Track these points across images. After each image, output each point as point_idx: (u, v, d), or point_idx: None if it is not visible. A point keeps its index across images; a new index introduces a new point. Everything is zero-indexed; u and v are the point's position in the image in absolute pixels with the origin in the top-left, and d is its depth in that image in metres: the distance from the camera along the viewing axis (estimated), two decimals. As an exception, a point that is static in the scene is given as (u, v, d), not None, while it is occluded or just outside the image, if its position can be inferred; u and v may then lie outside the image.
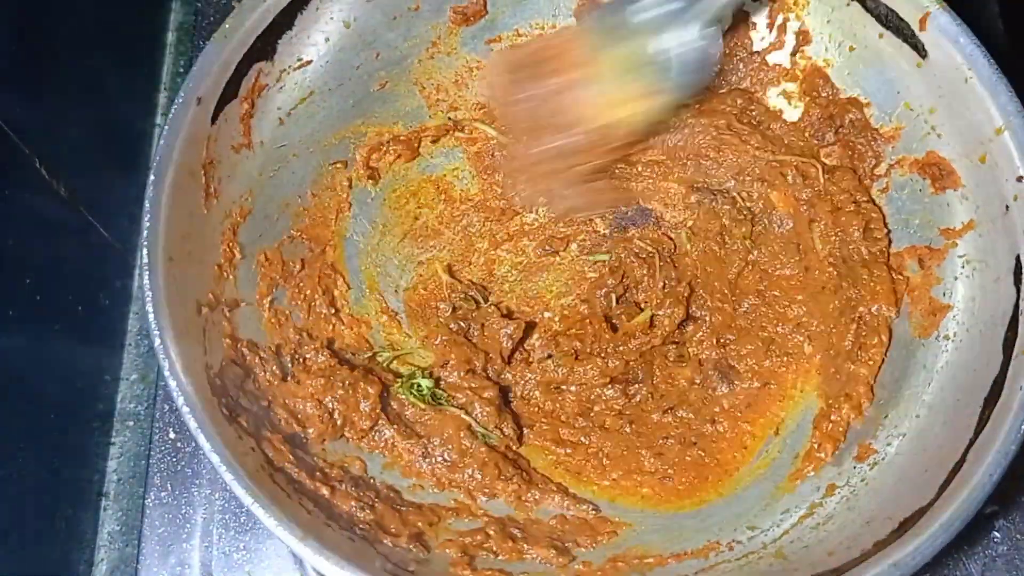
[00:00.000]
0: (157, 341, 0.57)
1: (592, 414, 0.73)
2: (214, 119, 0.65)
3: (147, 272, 0.58)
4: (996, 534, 0.69)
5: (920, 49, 0.66)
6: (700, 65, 0.68)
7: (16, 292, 0.65)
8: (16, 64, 0.66)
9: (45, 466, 0.68)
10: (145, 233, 0.59)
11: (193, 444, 0.73)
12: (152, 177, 0.61)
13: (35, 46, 0.68)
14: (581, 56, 0.69)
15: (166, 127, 0.62)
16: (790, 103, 0.76)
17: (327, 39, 0.71)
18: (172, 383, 0.56)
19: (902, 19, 0.67)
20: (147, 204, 0.60)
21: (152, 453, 0.73)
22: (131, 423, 0.76)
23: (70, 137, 0.73)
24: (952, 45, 0.64)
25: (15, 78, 0.66)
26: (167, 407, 0.75)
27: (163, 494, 0.72)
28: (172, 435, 0.74)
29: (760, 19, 0.75)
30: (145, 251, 0.59)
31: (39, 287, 0.67)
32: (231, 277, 0.66)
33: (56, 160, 0.69)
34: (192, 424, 0.55)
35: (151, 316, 0.57)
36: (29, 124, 0.65)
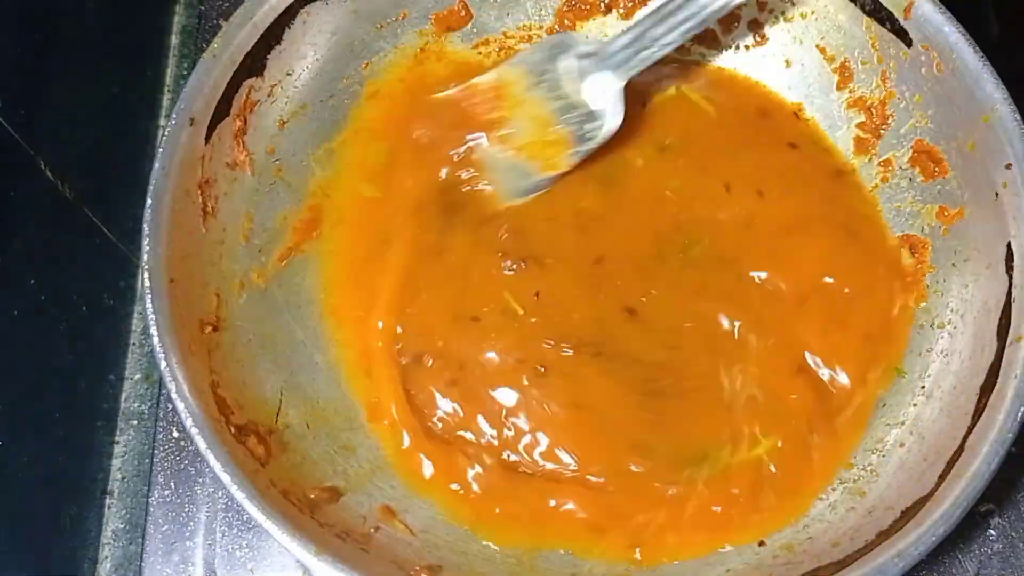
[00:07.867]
0: (163, 364, 0.58)
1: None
2: (207, 138, 0.65)
3: (149, 296, 0.59)
4: (991, 532, 0.70)
5: (905, 37, 0.67)
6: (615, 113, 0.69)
7: (20, 292, 0.66)
8: (20, 66, 0.66)
9: (49, 465, 0.68)
10: (145, 257, 0.60)
11: (196, 442, 0.74)
12: (149, 201, 0.61)
13: (39, 48, 0.68)
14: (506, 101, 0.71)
15: (160, 149, 0.63)
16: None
17: (315, 52, 0.72)
18: (180, 405, 0.57)
19: (885, 7, 0.67)
20: (146, 228, 0.60)
21: (156, 452, 0.74)
22: (135, 422, 0.76)
23: (75, 138, 0.73)
24: (936, 33, 0.64)
25: (19, 80, 0.66)
26: (171, 406, 0.75)
27: (167, 492, 0.72)
28: (176, 434, 0.74)
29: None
30: (147, 275, 0.59)
31: (43, 287, 0.68)
32: (232, 293, 0.67)
33: (61, 161, 0.69)
34: (201, 445, 0.56)
35: (155, 340, 0.58)
36: (34, 126, 0.65)
